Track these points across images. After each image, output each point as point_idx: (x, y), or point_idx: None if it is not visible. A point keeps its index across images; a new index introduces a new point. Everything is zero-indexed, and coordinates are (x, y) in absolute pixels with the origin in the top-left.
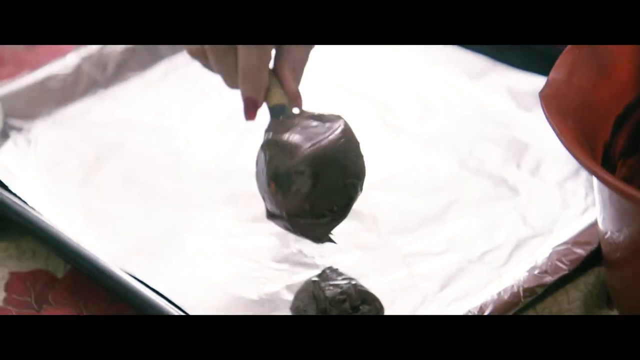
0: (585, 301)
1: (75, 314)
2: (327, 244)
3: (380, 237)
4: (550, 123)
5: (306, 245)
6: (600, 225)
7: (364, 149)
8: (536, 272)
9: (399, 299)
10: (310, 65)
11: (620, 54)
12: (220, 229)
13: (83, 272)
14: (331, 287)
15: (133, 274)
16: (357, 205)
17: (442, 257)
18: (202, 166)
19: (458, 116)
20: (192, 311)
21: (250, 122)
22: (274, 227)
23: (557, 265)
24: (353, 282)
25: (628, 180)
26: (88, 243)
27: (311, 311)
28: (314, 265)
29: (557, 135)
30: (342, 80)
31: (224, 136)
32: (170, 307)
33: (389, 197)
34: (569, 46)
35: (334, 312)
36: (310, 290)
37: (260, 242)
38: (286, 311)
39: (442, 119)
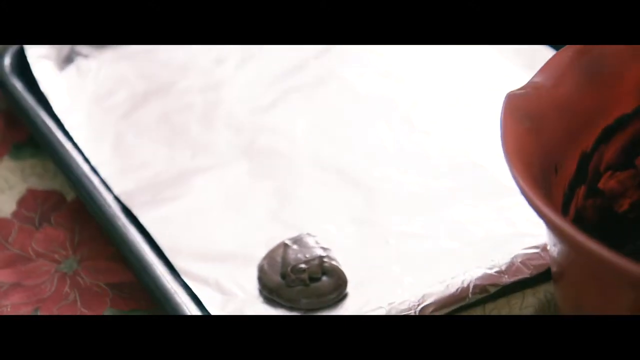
0: (539, 308)
1: (68, 238)
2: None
3: (374, 213)
4: (501, 124)
5: (301, 209)
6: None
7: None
8: (494, 270)
9: (366, 277)
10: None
11: (625, 60)
12: (229, 181)
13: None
14: (299, 254)
15: (130, 209)
16: (364, 178)
17: (423, 242)
18: (234, 119)
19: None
20: (170, 253)
21: (296, 82)
22: (280, 189)
23: (518, 267)
24: (323, 253)
25: (617, 194)
26: (105, 172)
27: (272, 272)
28: (300, 229)
29: (501, 139)
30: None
31: (267, 93)
32: (153, 258)
33: (398, 176)
34: (563, 47)
35: (292, 278)
36: (279, 252)
37: (261, 201)
38: (254, 266)
39: (471, 109)
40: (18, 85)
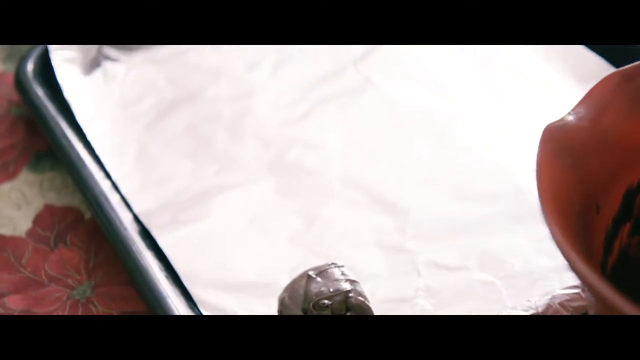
0: None
1: (83, 260)
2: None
3: (403, 238)
4: (537, 162)
5: (328, 233)
6: None
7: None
8: (530, 312)
9: (394, 312)
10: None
11: None
12: (254, 200)
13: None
14: (323, 287)
15: (149, 230)
16: (396, 199)
17: (455, 273)
18: (263, 130)
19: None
20: (187, 280)
21: (332, 91)
22: (307, 209)
23: (556, 310)
24: (349, 287)
25: None
26: (125, 189)
27: (293, 306)
28: (325, 256)
29: (537, 179)
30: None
31: (300, 102)
32: (167, 287)
33: (433, 197)
34: (608, 75)
35: (314, 314)
36: (302, 284)
37: (286, 222)
38: (275, 297)
39: (517, 127)
40: (40, 92)
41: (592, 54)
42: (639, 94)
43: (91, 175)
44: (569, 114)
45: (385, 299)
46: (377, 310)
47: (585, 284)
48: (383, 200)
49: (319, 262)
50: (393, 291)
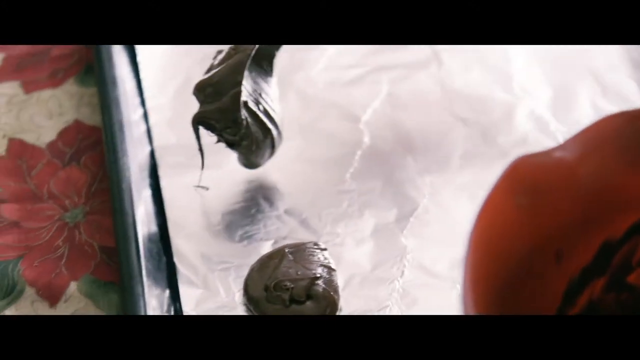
0: None
1: (87, 183)
2: None
3: (401, 233)
4: (488, 194)
5: (328, 210)
6: None
7: None
8: None
9: (362, 306)
10: None
11: None
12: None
13: None
14: (292, 269)
15: (158, 167)
16: (412, 192)
17: (439, 281)
18: (308, 87)
19: None
20: (174, 228)
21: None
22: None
23: None
24: (319, 274)
25: None
26: (153, 119)
27: (258, 280)
28: (315, 233)
29: (478, 212)
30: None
31: (352, 68)
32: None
33: (447, 200)
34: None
35: (272, 294)
36: (275, 260)
37: (292, 186)
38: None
39: None
40: None
41: None
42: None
43: (119, 98)
44: (554, 148)
45: (359, 294)
46: (347, 304)
47: None
48: (398, 189)
49: (306, 237)
50: (369, 287)
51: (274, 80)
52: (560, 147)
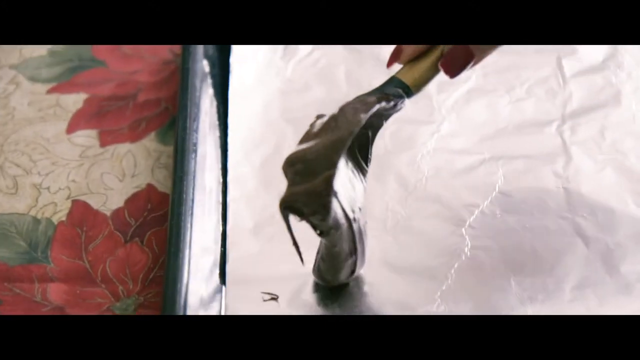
0: None
1: (146, 267)
2: None
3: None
4: None
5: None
6: None
7: None
8: None
9: None
10: None
11: None
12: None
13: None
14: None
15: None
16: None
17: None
18: (408, 169)
19: None
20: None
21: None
22: None
23: None
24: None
25: None
26: (233, 194)
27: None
28: None
29: None
30: None
31: (467, 154)
32: None
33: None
34: None
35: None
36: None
37: None
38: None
39: None
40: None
41: None
42: None
43: (194, 166)
44: None
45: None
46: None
47: None
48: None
49: None
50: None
51: (367, 175)
52: None
